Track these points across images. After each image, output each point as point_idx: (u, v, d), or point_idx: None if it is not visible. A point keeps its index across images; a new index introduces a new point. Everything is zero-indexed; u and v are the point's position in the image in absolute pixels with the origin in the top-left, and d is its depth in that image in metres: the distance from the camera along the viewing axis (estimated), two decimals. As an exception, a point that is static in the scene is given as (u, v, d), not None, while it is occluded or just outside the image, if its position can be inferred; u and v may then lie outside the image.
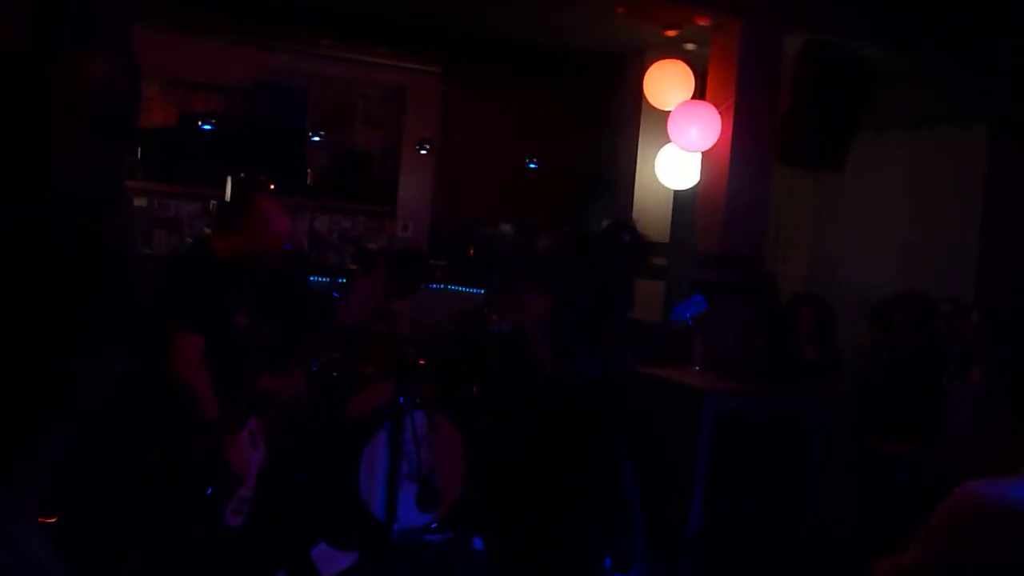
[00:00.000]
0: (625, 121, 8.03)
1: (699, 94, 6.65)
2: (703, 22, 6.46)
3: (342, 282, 6.98)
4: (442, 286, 7.97)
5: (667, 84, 6.71)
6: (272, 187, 7.65)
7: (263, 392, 4.10)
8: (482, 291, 7.79)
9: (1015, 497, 2.16)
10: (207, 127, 8.16)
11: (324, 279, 7.46)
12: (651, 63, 6.93)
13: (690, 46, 7.02)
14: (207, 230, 7.23)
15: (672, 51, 7.01)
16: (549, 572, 3.96)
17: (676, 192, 7.52)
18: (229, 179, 7.47)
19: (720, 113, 6.26)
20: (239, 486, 3.81)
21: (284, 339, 4.51)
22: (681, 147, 6.45)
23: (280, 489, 4.47)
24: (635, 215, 6.54)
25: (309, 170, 8.79)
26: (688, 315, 5.89)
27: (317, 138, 8.81)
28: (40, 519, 1.69)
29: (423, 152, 9.18)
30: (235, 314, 3.90)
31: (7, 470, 1.39)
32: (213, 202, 7.88)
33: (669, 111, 6.54)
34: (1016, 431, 2.31)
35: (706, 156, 6.49)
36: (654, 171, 7.24)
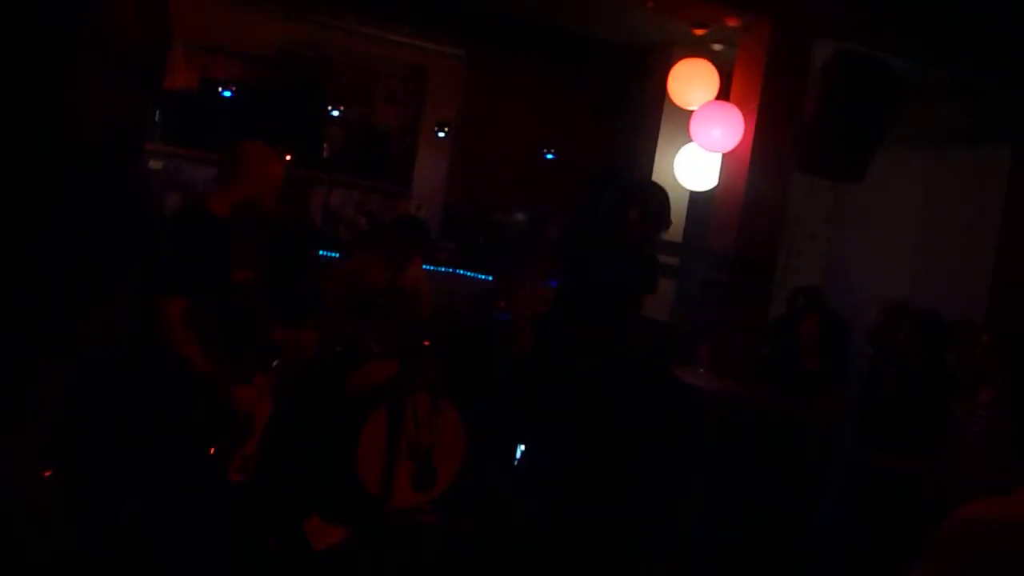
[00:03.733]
0: (646, 117, 7.96)
1: (723, 95, 6.58)
2: (732, 22, 6.39)
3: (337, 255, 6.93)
4: (451, 270, 7.91)
5: (692, 83, 6.64)
6: (288, 157, 7.59)
7: (278, 343, 4.07)
8: (491, 277, 7.76)
9: (1011, 520, 2.12)
10: (227, 93, 8.12)
11: (334, 254, 7.39)
12: (676, 60, 6.86)
13: (717, 46, 6.95)
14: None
15: (699, 50, 6.95)
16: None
17: (691, 193, 7.46)
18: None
19: (745, 114, 6.19)
20: (244, 442, 3.76)
21: (292, 298, 4.45)
22: (703, 147, 6.38)
23: (283, 450, 4.42)
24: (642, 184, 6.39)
25: (325, 143, 8.74)
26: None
27: (336, 112, 8.76)
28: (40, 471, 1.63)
29: (441, 134, 9.14)
30: (237, 268, 3.83)
31: (10, 403, 1.33)
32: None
33: (692, 110, 6.47)
34: (1019, 455, 2.26)
35: (726, 158, 6.43)
36: (672, 170, 7.17)
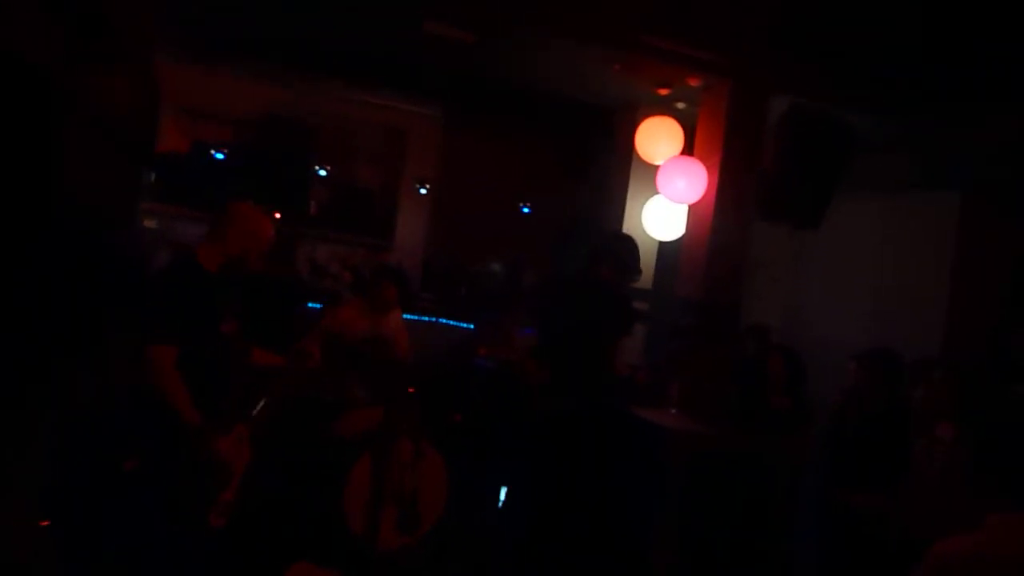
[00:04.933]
0: (616, 171, 8.02)
1: (687, 150, 6.65)
2: (694, 83, 6.48)
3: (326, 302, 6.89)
4: (433, 319, 7.89)
5: (657, 139, 6.71)
6: (277, 215, 7.58)
7: (260, 370, 4.04)
8: (471, 326, 7.74)
9: (985, 552, 2.12)
10: (219, 155, 8.13)
11: (319, 305, 7.36)
12: (643, 118, 6.93)
13: (680, 104, 7.04)
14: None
15: (663, 108, 7.03)
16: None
17: (660, 242, 7.50)
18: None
19: (708, 167, 6.25)
20: (223, 488, 3.73)
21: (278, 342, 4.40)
22: (669, 199, 6.43)
23: (264, 495, 4.37)
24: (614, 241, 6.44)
25: (312, 201, 8.75)
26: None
27: (322, 172, 8.79)
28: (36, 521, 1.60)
29: (421, 191, 9.17)
30: (223, 320, 3.81)
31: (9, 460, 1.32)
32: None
33: (658, 164, 6.53)
34: (980, 488, 2.26)
35: (692, 208, 6.47)
36: (641, 221, 7.22)
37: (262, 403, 4.07)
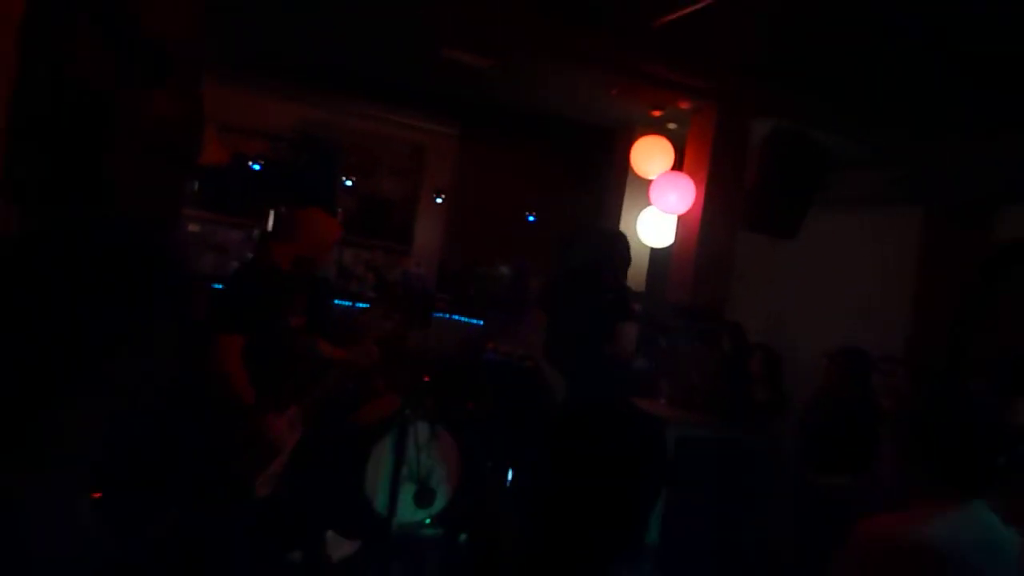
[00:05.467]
0: (612, 185, 8.03)
1: (677, 166, 6.66)
2: (684, 106, 6.49)
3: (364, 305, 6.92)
4: (447, 315, 7.91)
5: (651, 156, 6.72)
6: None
7: (324, 361, 4.02)
8: (481, 322, 7.75)
9: (901, 532, 2.12)
10: (255, 167, 8.15)
11: (346, 303, 7.38)
12: (638, 137, 6.95)
13: (672, 125, 7.04)
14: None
15: (656, 128, 7.04)
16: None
17: (652, 249, 7.50)
18: (271, 212, 7.46)
19: (696, 182, 6.25)
20: (271, 461, 3.73)
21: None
22: (661, 210, 6.44)
23: (305, 474, 4.37)
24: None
25: (339, 209, 8.77)
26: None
27: (348, 183, 8.80)
28: (89, 493, 1.62)
29: (438, 201, 9.19)
30: (292, 314, 3.81)
31: (59, 441, 1.33)
32: (256, 230, 7.84)
33: (651, 179, 6.54)
34: (915, 473, 2.26)
35: (681, 219, 6.48)
36: (635, 229, 7.22)
37: (320, 385, 4.04)
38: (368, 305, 6.36)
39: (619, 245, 5.50)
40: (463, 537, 5.48)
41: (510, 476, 5.65)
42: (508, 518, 5.23)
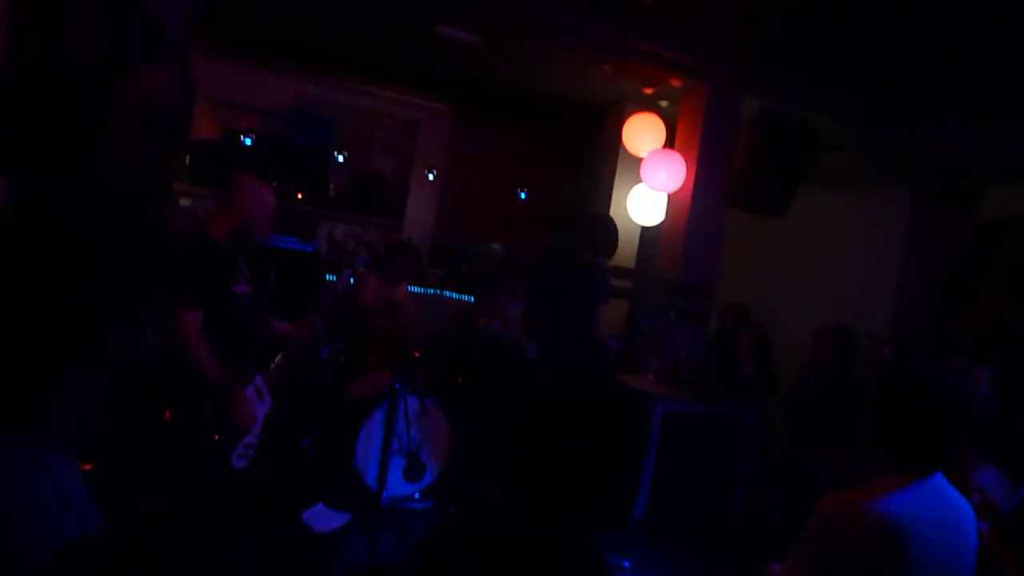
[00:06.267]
0: (604, 162, 8.03)
1: (669, 144, 6.66)
2: (676, 83, 6.47)
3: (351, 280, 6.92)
4: (439, 291, 7.92)
5: (642, 133, 6.71)
6: (299, 196, 7.58)
7: (276, 338, 4.07)
8: (471, 298, 7.77)
9: (858, 506, 2.16)
10: (247, 141, 8.12)
11: (334, 277, 7.39)
12: (629, 115, 6.93)
13: (663, 103, 7.03)
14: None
15: (648, 105, 7.03)
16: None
17: (642, 227, 7.52)
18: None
19: (687, 160, 6.26)
20: (244, 433, 3.77)
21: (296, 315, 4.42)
22: (651, 188, 6.45)
23: (283, 440, 4.41)
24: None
25: (332, 185, 8.76)
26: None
27: (340, 159, 8.79)
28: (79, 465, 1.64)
29: (430, 177, 9.19)
30: (235, 284, 3.81)
31: (51, 411, 1.35)
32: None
33: (642, 157, 6.54)
34: (880, 449, 2.30)
35: (671, 197, 6.49)
36: (626, 207, 7.24)
37: (279, 357, 4.12)
38: (334, 278, 6.34)
39: (602, 227, 5.53)
40: (451, 511, 5.52)
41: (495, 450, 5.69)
42: (492, 492, 5.27)
